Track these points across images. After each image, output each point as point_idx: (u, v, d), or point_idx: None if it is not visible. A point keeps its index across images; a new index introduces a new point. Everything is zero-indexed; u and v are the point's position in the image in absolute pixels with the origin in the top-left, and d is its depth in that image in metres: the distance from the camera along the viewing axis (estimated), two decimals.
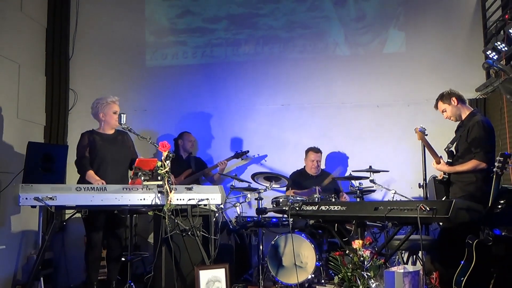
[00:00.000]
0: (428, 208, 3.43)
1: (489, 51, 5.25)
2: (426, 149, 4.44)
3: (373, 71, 6.29)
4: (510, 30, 4.68)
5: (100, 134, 4.71)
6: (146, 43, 6.75)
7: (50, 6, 6.51)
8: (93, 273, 4.60)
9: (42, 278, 4.04)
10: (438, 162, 4.26)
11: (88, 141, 4.63)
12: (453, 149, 4.29)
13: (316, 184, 5.21)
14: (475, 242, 3.45)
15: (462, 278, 3.44)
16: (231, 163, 6.16)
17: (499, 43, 5.07)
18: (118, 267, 4.77)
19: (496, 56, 5.16)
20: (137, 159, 4.31)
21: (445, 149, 4.33)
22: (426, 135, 4.44)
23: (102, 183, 4.31)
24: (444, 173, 4.28)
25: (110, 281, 4.68)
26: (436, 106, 4.42)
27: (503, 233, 3.56)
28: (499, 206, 3.46)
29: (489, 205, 3.45)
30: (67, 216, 4.62)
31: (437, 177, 4.44)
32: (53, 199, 3.79)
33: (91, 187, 4.00)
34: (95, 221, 4.48)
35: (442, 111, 4.36)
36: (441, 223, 4.15)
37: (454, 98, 4.27)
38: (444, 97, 4.33)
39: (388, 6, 6.40)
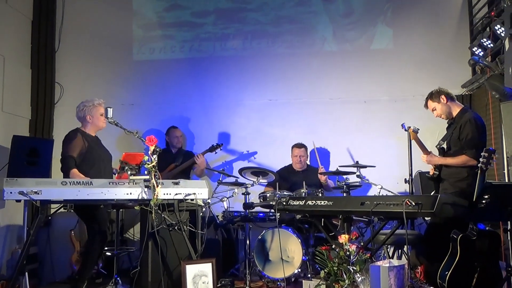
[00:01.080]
0: (413, 203, 3.46)
1: (475, 48, 5.29)
2: (413, 145, 4.47)
3: (360, 67, 6.31)
4: (495, 27, 4.71)
5: (89, 135, 4.66)
6: (134, 37, 6.71)
7: None
8: (91, 267, 4.54)
9: (27, 273, 3.99)
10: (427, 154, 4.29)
11: (83, 141, 4.56)
12: (444, 146, 4.33)
13: (304, 180, 5.22)
14: (460, 236, 3.49)
15: (446, 272, 3.47)
16: (215, 157, 6.15)
17: (485, 39, 5.11)
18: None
19: (482, 53, 5.21)
20: (124, 154, 4.28)
21: (436, 146, 4.37)
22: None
23: None
24: (435, 169, 4.31)
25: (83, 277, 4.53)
26: (426, 105, 4.44)
27: (487, 228, 3.61)
28: (484, 201, 3.49)
29: (474, 200, 3.49)
30: (52, 211, 4.58)
31: (427, 173, 4.46)
32: (38, 193, 3.74)
33: (77, 181, 3.96)
34: (96, 212, 4.43)
35: (432, 110, 4.38)
36: (427, 218, 4.21)
37: (443, 96, 4.29)
38: (433, 95, 4.35)
39: (376, 3, 6.43)
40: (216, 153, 6.04)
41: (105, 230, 4.56)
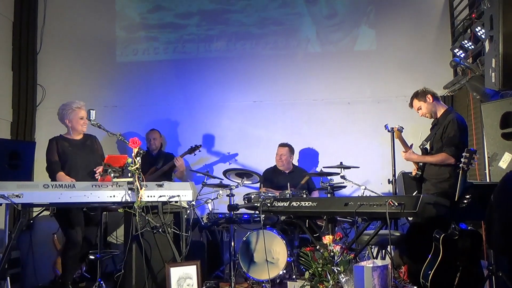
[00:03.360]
0: (396, 204, 3.49)
1: (457, 49, 5.35)
2: (396, 145, 4.51)
3: (344, 68, 6.35)
4: (476, 29, 4.77)
5: (68, 140, 4.65)
6: (117, 38, 6.66)
7: None
8: (70, 272, 4.50)
9: (8, 278, 3.95)
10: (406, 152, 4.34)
11: (56, 147, 4.57)
12: (427, 146, 4.37)
13: (289, 181, 5.22)
14: (442, 236, 3.53)
15: (429, 272, 3.51)
16: (197, 159, 6.12)
17: (466, 41, 5.17)
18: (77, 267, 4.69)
19: (463, 54, 5.27)
20: (106, 156, 4.25)
21: (419, 146, 4.41)
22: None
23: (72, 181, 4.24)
24: (417, 170, 4.34)
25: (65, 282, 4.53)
26: (411, 104, 4.48)
27: (468, 227, 3.65)
28: (465, 201, 3.53)
29: (456, 199, 3.53)
30: (34, 214, 4.52)
31: (410, 173, 4.50)
32: (19, 197, 3.70)
33: (59, 184, 3.92)
34: (71, 217, 4.39)
35: (418, 109, 4.43)
36: (410, 218, 4.24)
37: (429, 96, 4.35)
38: (419, 94, 4.40)
39: (358, 4, 6.47)
40: (195, 155, 5.94)
41: (87, 236, 4.55)
